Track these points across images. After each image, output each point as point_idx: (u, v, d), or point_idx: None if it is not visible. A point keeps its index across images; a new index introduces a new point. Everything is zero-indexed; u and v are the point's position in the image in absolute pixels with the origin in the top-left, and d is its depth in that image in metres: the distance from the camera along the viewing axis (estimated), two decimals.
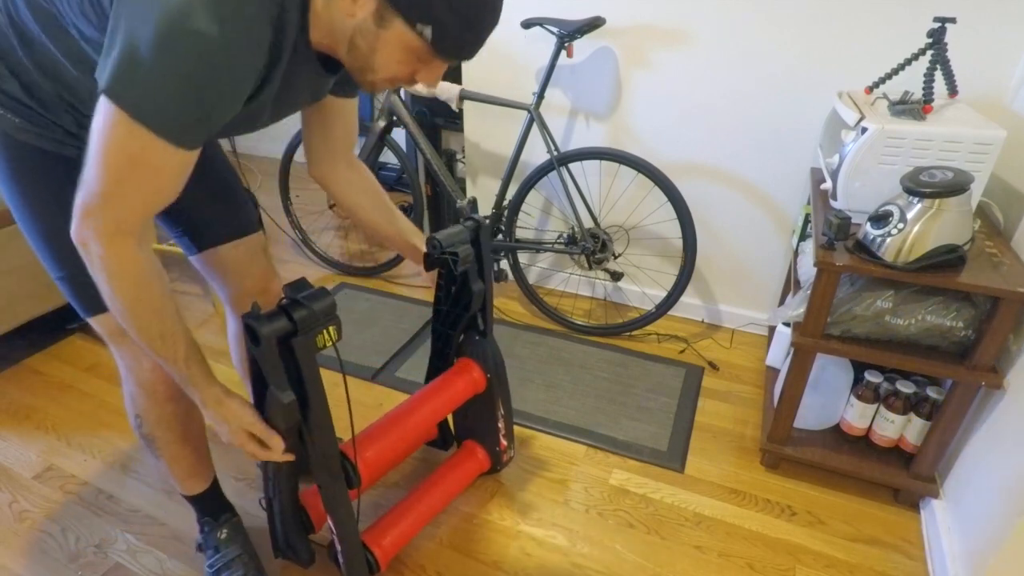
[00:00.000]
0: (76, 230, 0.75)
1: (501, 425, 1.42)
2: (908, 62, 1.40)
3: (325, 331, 0.93)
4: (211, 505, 1.26)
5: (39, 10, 0.80)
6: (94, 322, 0.99)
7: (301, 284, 0.94)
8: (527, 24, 1.83)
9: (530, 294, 2.18)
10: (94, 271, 0.78)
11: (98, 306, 0.97)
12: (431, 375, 1.46)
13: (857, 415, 1.47)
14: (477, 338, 1.35)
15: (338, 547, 1.15)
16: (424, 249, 1.21)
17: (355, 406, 1.77)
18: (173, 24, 0.64)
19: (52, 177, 0.90)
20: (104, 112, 0.69)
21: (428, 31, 0.75)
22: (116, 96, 0.68)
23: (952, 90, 1.41)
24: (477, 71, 2.10)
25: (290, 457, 1.00)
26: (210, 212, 1.13)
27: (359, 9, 0.75)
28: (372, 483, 1.18)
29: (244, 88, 0.74)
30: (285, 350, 0.92)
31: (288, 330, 0.90)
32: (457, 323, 1.33)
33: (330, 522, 1.12)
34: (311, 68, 0.85)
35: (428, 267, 1.24)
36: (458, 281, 1.28)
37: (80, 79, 0.84)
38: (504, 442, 1.45)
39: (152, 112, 0.68)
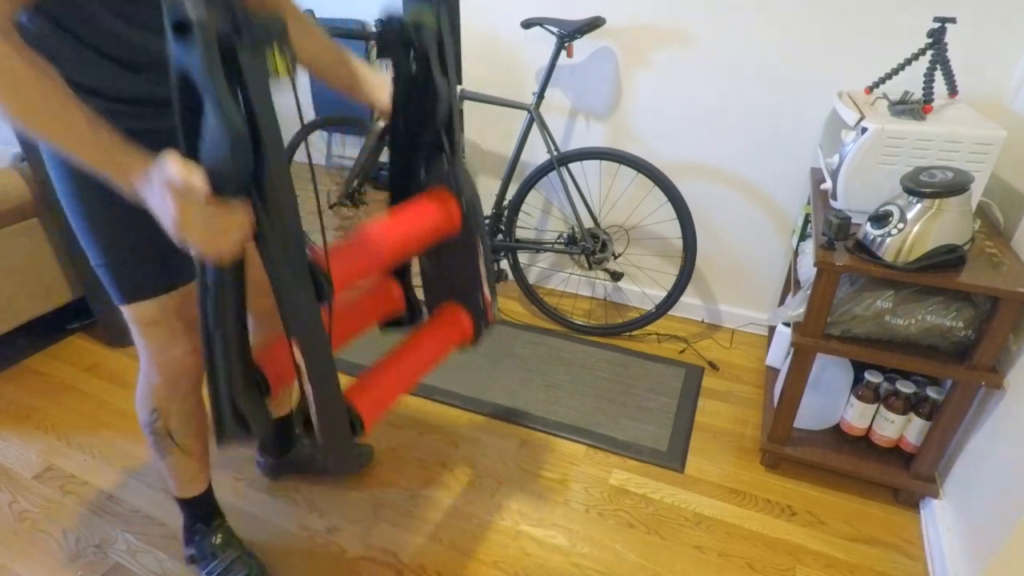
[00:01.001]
0: None
1: (483, 268, 1.14)
2: (908, 62, 1.40)
3: (274, 50, 0.70)
4: (205, 509, 1.26)
5: None
6: (126, 310, 0.99)
7: None
8: (527, 24, 1.83)
9: (530, 294, 2.18)
10: None
11: (132, 295, 0.97)
12: None
13: (857, 415, 1.47)
14: (445, 164, 1.07)
15: (309, 395, 0.86)
16: (365, 70, 1.04)
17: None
18: None
19: None
20: None
21: None
22: None
23: (952, 90, 1.41)
24: (477, 71, 2.10)
25: (242, 222, 0.73)
26: None
27: None
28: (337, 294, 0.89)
29: None
30: (227, 67, 0.66)
31: (229, 33, 0.65)
32: (419, 142, 1.05)
33: (295, 353, 0.83)
34: None
35: (381, 53, 0.99)
36: (421, 74, 0.98)
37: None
38: (487, 292, 1.18)
39: None
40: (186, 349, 1.04)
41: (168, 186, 0.68)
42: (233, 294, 0.80)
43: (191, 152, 0.71)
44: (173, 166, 0.68)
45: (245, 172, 0.70)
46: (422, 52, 0.94)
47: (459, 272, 1.16)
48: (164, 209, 0.70)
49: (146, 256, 0.95)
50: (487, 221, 2.11)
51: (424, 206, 1.05)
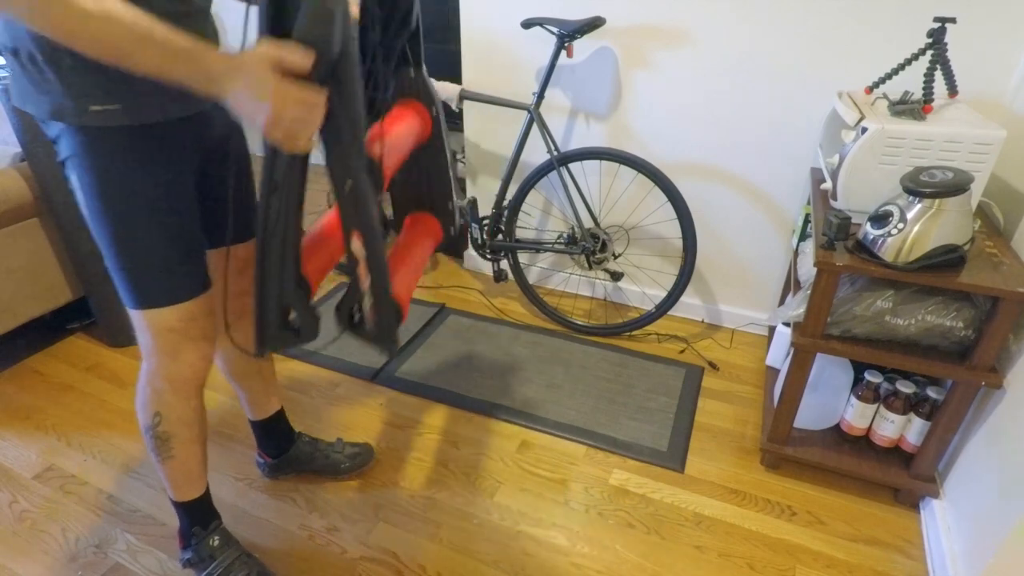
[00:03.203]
0: None
1: (451, 174, 1.20)
2: (908, 62, 1.40)
3: None
4: (202, 512, 1.25)
5: None
6: (141, 315, 0.98)
7: None
8: (527, 24, 1.83)
9: (530, 294, 2.18)
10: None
11: (148, 301, 0.97)
12: None
13: (857, 415, 1.47)
14: (411, 74, 1.10)
15: (364, 287, 0.91)
16: None
17: (355, 407, 1.77)
18: None
19: (131, 157, 0.89)
20: None
21: None
22: None
23: (952, 90, 1.41)
24: (477, 71, 2.10)
25: (323, 108, 0.75)
26: (230, 213, 1.14)
27: None
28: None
29: None
30: None
31: None
32: (390, 54, 1.06)
33: (356, 241, 0.87)
34: None
35: None
36: None
37: None
38: (455, 199, 1.24)
39: None
40: (198, 355, 1.04)
41: (272, 64, 0.69)
42: (298, 190, 0.84)
43: (278, 35, 0.72)
44: (275, 46, 0.69)
45: (343, 46, 0.71)
46: None
47: (431, 177, 1.19)
48: (255, 98, 0.71)
49: (168, 263, 0.95)
50: (486, 221, 2.11)
51: (404, 116, 1.07)
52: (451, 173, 1.20)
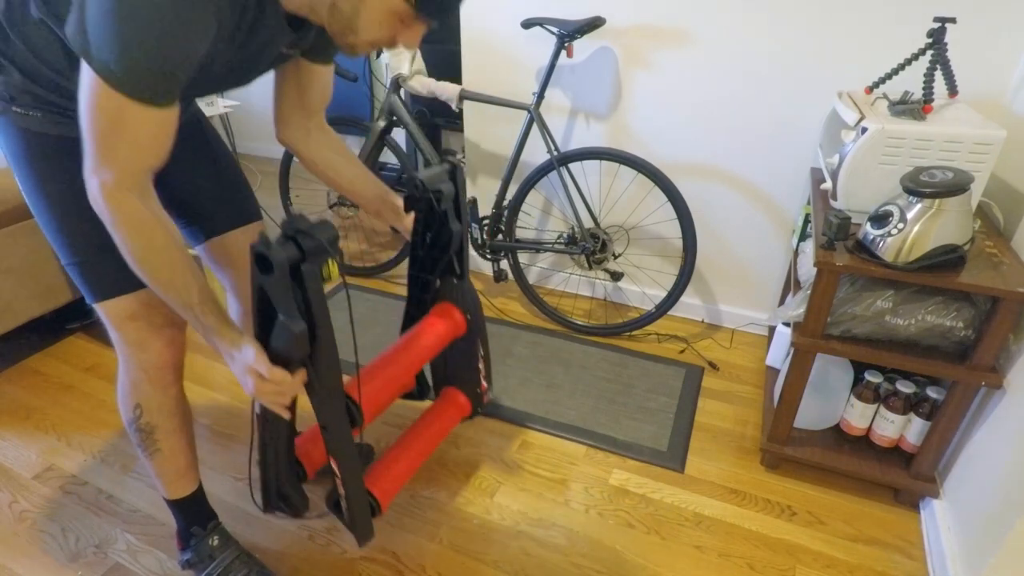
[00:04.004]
0: (88, 192, 0.80)
1: (481, 366, 1.44)
2: (908, 62, 1.40)
3: (329, 262, 0.92)
4: (199, 511, 1.25)
5: None
6: (100, 307, 1.00)
7: (300, 218, 0.92)
8: (527, 24, 1.83)
9: (530, 294, 2.18)
10: (108, 227, 0.82)
11: (104, 292, 0.98)
12: (407, 323, 1.44)
13: (857, 415, 1.47)
14: (455, 281, 1.34)
15: (340, 491, 1.12)
16: (396, 201, 1.23)
17: None
18: None
19: (65, 162, 0.92)
20: (86, 74, 0.73)
21: None
22: (90, 59, 0.72)
23: (952, 90, 1.41)
24: (477, 71, 2.10)
25: (299, 387, 0.97)
26: (215, 202, 1.15)
27: None
28: (367, 424, 1.19)
29: (202, 44, 0.77)
30: (293, 280, 0.91)
31: (297, 258, 0.89)
32: (435, 267, 1.33)
33: (332, 465, 1.09)
34: (278, 26, 0.87)
35: (408, 208, 1.24)
36: (437, 222, 1.27)
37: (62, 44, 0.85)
38: (484, 383, 1.47)
39: (121, 77, 0.72)
40: (165, 342, 1.04)
41: (248, 369, 0.89)
42: (285, 424, 1.10)
43: (264, 336, 0.94)
44: (253, 354, 0.89)
45: (303, 355, 0.94)
46: (442, 208, 1.23)
47: (461, 364, 1.46)
48: (242, 378, 0.91)
49: (116, 251, 0.93)
50: (486, 221, 2.11)
51: (435, 326, 1.33)
52: (483, 366, 1.45)
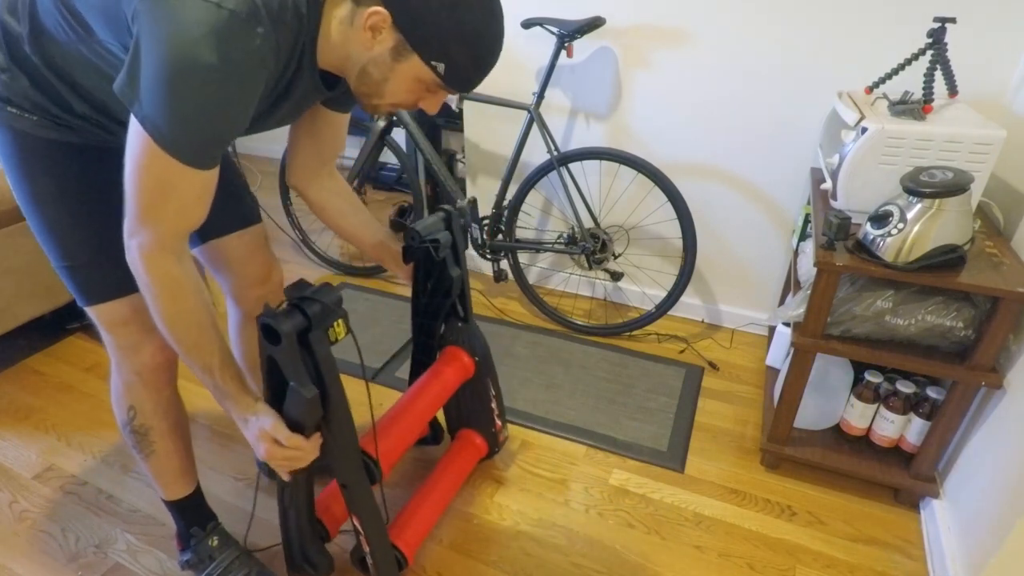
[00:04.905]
0: (127, 253, 0.81)
1: (494, 406, 1.45)
2: (908, 62, 1.40)
3: (335, 325, 0.94)
4: (197, 512, 1.25)
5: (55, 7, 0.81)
6: (92, 311, 1.00)
7: (302, 284, 0.95)
8: (527, 24, 1.83)
9: (530, 294, 2.18)
10: (140, 286, 0.83)
11: (96, 296, 0.98)
12: (416, 370, 1.47)
13: (857, 415, 1.47)
14: (459, 325, 1.37)
15: (365, 548, 1.14)
16: (397, 249, 1.26)
17: (355, 406, 1.75)
18: (183, 58, 0.68)
19: (57, 165, 0.92)
20: (135, 133, 0.74)
21: (442, 67, 0.81)
22: (143, 119, 0.72)
23: (952, 90, 1.41)
24: None
25: (315, 452, 0.98)
26: (215, 205, 1.14)
27: (378, 44, 0.80)
28: (384, 478, 1.21)
29: (250, 111, 0.78)
30: (301, 347, 0.92)
31: (304, 326, 0.91)
32: (438, 312, 1.36)
33: (355, 522, 1.11)
34: (313, 85, 0.89)
35: (407, 259, 1.27)
36: (436, 269, 1.30)
37: (90, 68, 0.85)
38: (498, 423, 1.49)
39: (171, 140, 0.73)
40: (158, 345, 1.04)
41: (263, 435, 0.90)
42: (304, 486, 1.10)
43: (275, 402, 0.95)
44: (271, 422, 0.90)
45: (317, 419, 0.95)
46: (440, 257, 1.25)
47: (473, 406, 1.46)
48: (255, 443, 0.92)
49: (109, 255, 0.93)
50: (486, 221, 2.11)
51: (444, 373, 1.35)
52: (494, 401, 1.46)
